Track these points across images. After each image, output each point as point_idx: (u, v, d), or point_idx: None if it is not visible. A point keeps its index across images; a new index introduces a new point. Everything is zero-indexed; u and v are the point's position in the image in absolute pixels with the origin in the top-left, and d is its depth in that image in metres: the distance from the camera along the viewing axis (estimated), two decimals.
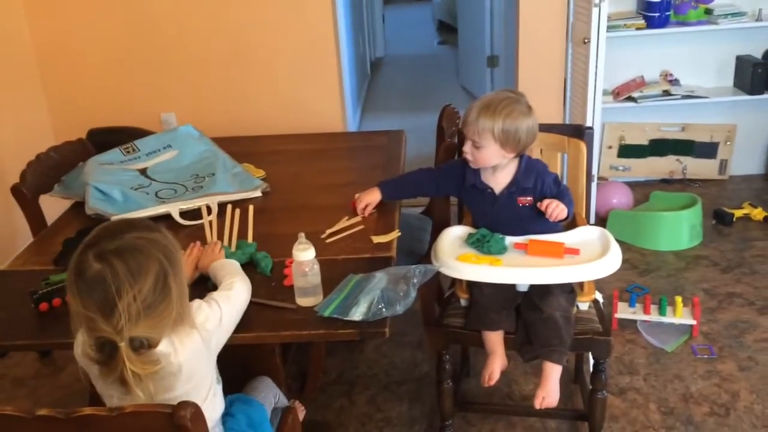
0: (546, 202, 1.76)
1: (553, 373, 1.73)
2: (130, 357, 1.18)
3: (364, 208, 1.94)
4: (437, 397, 1.98)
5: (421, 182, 2.01)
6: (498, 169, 1.82)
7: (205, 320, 1.33)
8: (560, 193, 1.80)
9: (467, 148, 1.79)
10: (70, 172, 2.23)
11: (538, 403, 1.73)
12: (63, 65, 3.41)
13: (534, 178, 1.81)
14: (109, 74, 3.42)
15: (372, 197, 1.95)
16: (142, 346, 1.21)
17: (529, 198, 1.82)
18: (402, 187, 2.03)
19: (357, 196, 1.97)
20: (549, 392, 1.73)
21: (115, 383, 1.22)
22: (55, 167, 2.24)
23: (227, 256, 1.67)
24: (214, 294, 1.43)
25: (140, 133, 2.45)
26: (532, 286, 1.76)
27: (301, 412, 1.96)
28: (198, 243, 1.70)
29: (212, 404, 1.38)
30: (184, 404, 1.08)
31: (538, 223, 1.82)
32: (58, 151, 2.29)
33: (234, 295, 1.45)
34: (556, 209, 1.74)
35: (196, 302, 1.37)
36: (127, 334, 1.18)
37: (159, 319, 1.22)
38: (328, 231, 1.83)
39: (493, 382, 1.77)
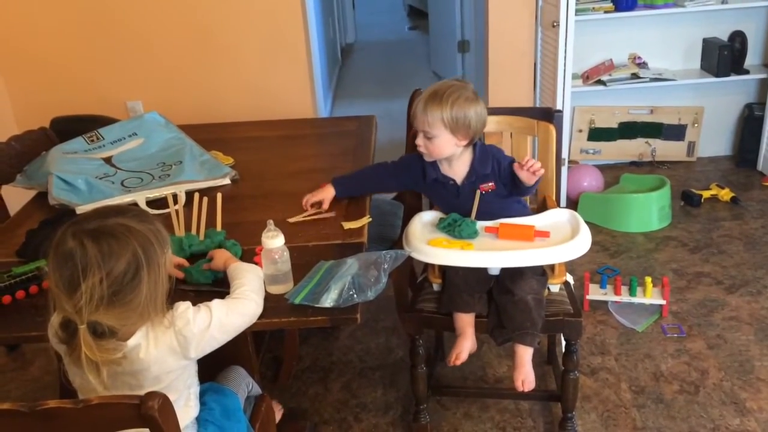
0: (525, 159, 1.72)
1: (526, 355, 1.75)
2: (87, 341, 1.18)
3: (316, 204, 1.87)
4: (411, 381, 1.98)
5: (380, 178, 1.97)
6: (454, 160, 1.82)
7: (184, 325, 1.28)
8: None
9: (420, 140, 1.79)
10: (32, 161, 2.18)
11: (519, 387, 1.74)
12: (25, 52, 3.32)
13: (491, 164, 1.82)
14: (73, 61, 3.34)
15: (325, 194, 1.88)
16: (104, 334, 1.20)
17: (490, 184, 1.82)
18: (359, 182, 1.96)
19: (306, 198, 1.89)
20: (526, 375, 1.74)
21: (78, 366, 1.21)
22: (16, 157, 2.19)
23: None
24: (217, 300, 1.37)
25: (105, 122, 2.39)
26: (503, 270, 1.76)
27: (278, 411, 1.94)
28: None
29: (185, 411, 1.37)
30: (152, 395, 1.06)
31: (505, 207, 1.83)
32: (20, 140, 2.23)
33: (238, 306, 1.38)
34: (536, 163, 1.70)
35: (183, 305, 1.31)
36: (87, 316, 1.17)
37: (124, 310, 1.20)
38: (291, 220, 1.81)
39: (459, 362, 1.77)
